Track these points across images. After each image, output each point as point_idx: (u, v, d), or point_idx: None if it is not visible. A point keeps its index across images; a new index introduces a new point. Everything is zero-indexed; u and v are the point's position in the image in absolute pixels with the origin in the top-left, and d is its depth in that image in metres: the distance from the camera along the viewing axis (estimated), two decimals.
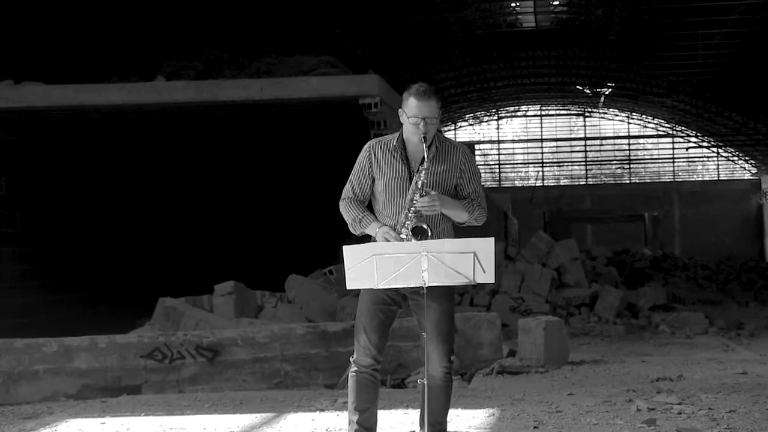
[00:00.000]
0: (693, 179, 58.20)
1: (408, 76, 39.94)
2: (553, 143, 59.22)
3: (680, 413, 7.45)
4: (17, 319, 16.16)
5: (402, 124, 5.29)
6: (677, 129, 57.19)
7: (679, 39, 36.01)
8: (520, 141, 59.75)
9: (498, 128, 59.21)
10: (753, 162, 57.46)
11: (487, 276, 4.84)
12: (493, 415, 7.72)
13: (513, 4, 35.95)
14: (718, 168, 58.68)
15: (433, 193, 5.13)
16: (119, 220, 21.23)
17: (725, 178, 58.05)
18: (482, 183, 5.43)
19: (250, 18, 25.54)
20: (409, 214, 5.13)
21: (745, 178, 57.79)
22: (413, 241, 5.06)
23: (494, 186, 55.74)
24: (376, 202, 5.34)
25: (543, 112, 58.60)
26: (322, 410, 8.26)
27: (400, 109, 5.24)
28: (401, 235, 5.12)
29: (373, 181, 5.30)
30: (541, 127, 59.05)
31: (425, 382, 5.09)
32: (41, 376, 9.91)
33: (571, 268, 19.68)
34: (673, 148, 58.60)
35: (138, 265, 21.78)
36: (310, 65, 17.97)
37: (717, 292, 26.97)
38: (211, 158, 23.73)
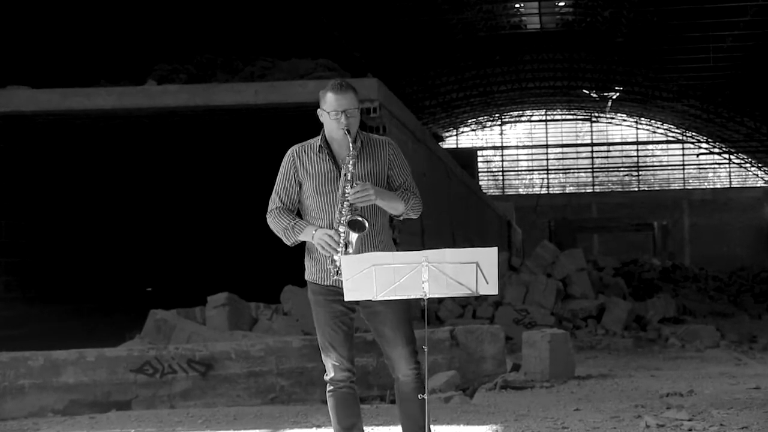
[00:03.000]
0: (704, 187, 58.29)
1: (408, 80, 40.07)
2: (559, 149, 59.31)
3: (690, 430, 7.46)
4: (2, 332, 16.15)
5: (323, 125, 5.26)
6: (687, 135, 57.27)
7: (689, 41, 36.08)
8: (525, 147, 59.84)
9: (501, 134, 59.31)
10: (766, 169, 57.50)
11: (490, 287, 4.85)
12: (497, 431, 7.73)
13: (517, 5, 36.03)
14: (729, 175, 58.76)
15: (365, 183, 5.12)
16: (109, 228, 21.23)
17: (737, 186, 58.13)
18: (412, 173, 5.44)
19: (245, 20, 25.58)
20: (343, 210, 5.10)
21: (758, 185, 57.85)
22: (351, 234, 5.05)
23: (497, 194, 55.79)
24: (306, 208, 5.30)
25: (548, 117, 58.70)
26: (318, 426, 8.27)
27: (319, 110, 5.24)
28: (339, 233, 5.08)
29: (300, 187, 5.28)
30: (546, 133, 59.14)
31: (426, 398, 5.09)
32: (27, 391, 9.89)
33: (577, 279, 19.69)
34: (683, 155, 58.68)
35: (128, 275, 21.78)
36: (306, 69, 18.01)
37: (729, 304, 26.99)
38: (204, 165, 23.76)
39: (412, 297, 4.89)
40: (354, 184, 5.09)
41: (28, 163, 18.08)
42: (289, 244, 5.29)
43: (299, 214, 5.33)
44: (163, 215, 23.49)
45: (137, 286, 21.71)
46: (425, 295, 4.85)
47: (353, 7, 30.16)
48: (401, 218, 5.32)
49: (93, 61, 20.30)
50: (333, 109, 5.15)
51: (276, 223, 5.27)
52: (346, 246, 5.06)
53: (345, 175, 5.13)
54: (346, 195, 5.10)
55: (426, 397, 5.09)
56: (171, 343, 12.32)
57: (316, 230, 5.15)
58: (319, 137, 5.28)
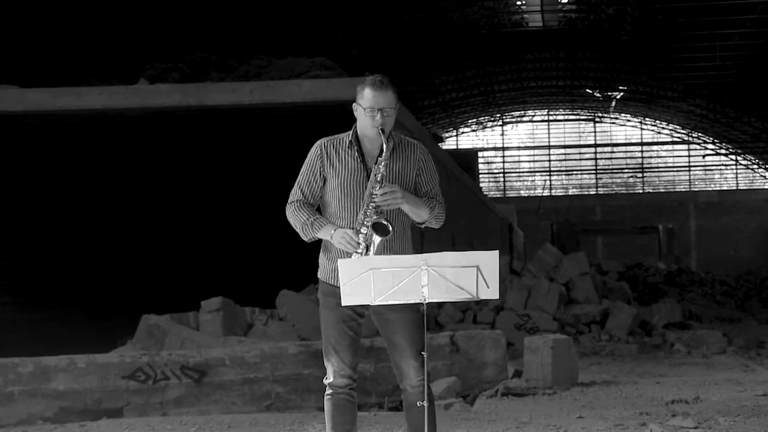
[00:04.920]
0: (710, 189, 58.28)
1: (407, 79, 40.06)
2: (561, 150, 59.33)
3: None
4: None
5: (356, 120, 5.23)
6: (693, 135, 57.29)
7: (696, 40, 36.10)
8: (526, 148, 59.86)
9: (503, 134, 59.33)
10: None
11: (491, 292, 4.85)
12: None
13: (519, 2, 36.04)
14: (736, 177, 58.78)
15: (393, 185, 5.10)
16: (99, 231, 21.22)
17: (744, 188, 58.14)
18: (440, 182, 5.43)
19: (239, 17, 25.58)
20: (369, 211, 5.08)
21: (766, 187, 57.87)
22: (374, 237, 5.04)
23: (499, 196, 55.82)
24: (327, 204, 5.27)
25: (550, 118, 58.72)
26: None
27: (354, 104, 5.20)
28: (360, 233, 5.07)
29: (324, 182, 5.25)
30: (549, 134, 59.16)
31: (425, 405, 5.08)
32: (16, 398, 9.89)
33: (581, 284, 19.70)
34: (689, 156, 58.70)
35: (120, 279, 21.76)
36: (302, 67, 18.02)
37: (736, 309, 26.99)
38: (198, 166, 23.74)
39: (411, 301, 4.89)
40: (383, 185, 5.07)
41: (17, 164, 18.06)
42: (305, 240, 5.25)
43: (319, 210, 5.30)
44: (155, 218, 23.47)
45: (129, 290, 21.68)
46: (424, 300, 4.85)
47: (351, 5, 30.17)
48: (423, 226, 5.30)
49: (84, 60, 20.30)
50: (369, 106, 5.11)
51: (295, 216, 5.23)
52: (367, 249, 5.04)
53: (375, 175, 5.09)
54: (374, 196, 5.07)
55: (426, 405, 5.08)
56: (164, 349, 12.31)
57: (335, 229, 5.12)
58: (350, 132, 5.24)
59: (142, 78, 17.45)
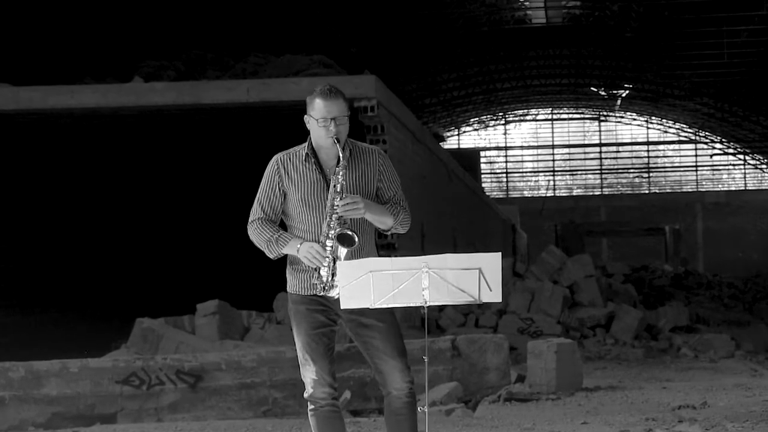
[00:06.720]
0: (717, 189, 58.29)
1: (407, 77, 40.07)
2: (566, 150, 59.34)
3: None
4: None
5: (309, 132, 5.24)
6: (700, 134, 57.31)
7: (703, 36, 36.09)
8: (530, 147, 59.88)
9: (505, 133, 59.34)
10: None
11: (493, 294, 4.84)
12: None
13: None
14: (744, 177, 58.80)
15: (355, 195, 5.11)
16: (93, 233, 21.22)
17: (753, 188, 58.14)
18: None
19: (236, 14, 25.58)
20: (332, 222, 5.10)
21: None
22: (340, 249, 5.06)
23: (501, 197, 55.82)
24: (290, 219, 5.29)
25: (554, 116, 58.73)
26: None
27: (306, 116, 5.22)
28: (326, 247, 5.09)
29: (285, 197, 5.28)
30: (552, 133, 59.18)
31: (426, 410, 5.07)
32: (7, 403, 9.89)
33: (585, 286, 19.68)
34: (696, 155, 58.72)
35: (114, 282, 21.76)
36: (301, 65, 18.03)
37: (744, 312, 26.98)
38: (194, 166, 23.75)
39: (412, 305, 4.88)
40: (343, 196, 5.09)
41: (9, 164, 18.06)
42: (271, 257, 5.28)
43: (282, 225, 5.32)
44: (150, 219, 23.48)
45: (124, 293, 21.68)
46: (425, 303, 4.83)
47: (350, 1, 30.18)
48: (389, 233, 5.31)
49: (77, 57, 20.29)
50: (322, 116, 5.12)
51: (258, 234, 5.26)
52: (334, 261, 5.05)
53: (335, 186, 5.11)
54: (335, 207, 5.08)
55: (426, 410, 5.08)
56: (158, 353, 12.32)
57: (301, 243, 5.13)
58: (305, 144, 5.26)
59: (136, 76, 17.45)
